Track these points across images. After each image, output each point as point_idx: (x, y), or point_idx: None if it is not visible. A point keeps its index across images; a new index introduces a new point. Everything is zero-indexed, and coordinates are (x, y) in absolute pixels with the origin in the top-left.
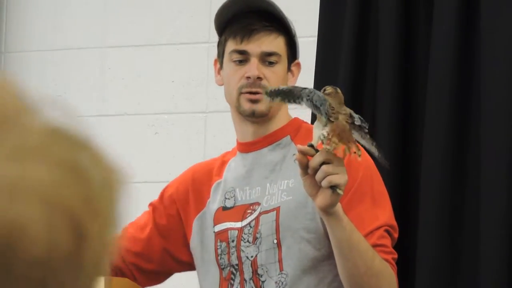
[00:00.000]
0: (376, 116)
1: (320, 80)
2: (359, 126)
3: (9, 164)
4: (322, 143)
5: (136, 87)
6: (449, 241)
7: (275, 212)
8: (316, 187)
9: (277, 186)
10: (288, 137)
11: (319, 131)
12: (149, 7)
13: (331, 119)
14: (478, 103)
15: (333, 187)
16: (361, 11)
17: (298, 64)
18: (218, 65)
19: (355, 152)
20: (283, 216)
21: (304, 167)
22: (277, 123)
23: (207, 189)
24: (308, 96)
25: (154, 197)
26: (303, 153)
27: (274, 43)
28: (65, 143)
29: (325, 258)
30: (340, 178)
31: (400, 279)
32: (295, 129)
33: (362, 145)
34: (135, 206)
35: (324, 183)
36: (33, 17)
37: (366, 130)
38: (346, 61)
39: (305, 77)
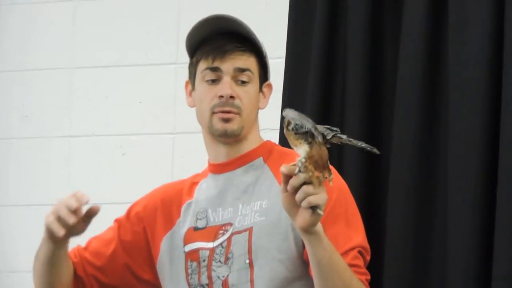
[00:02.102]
0: (344, 133)
1: (288, 99)
2: (334, 136)
3: None
4: (299, 170)
5: (103, 108)
6: (416, 247)
7: (247, 232)
8: (295, 206)
9: (250, 207)
10: (261, 158)
11: (302, 152)
12: (117, 28)
13: (319, 139)
14: (446, 116)
15: (313, 207)
16: (328, 32)
17: (270, 85)
18: (189, 87)
19: (326, 177)
20: (256, 236)
21: (286, 183)
22: (250, 145)
23: (176, 208)
24: (301, 119)
25: (117, 215)
26: (287, 173)
27: (247, 61)
28: None
29: (296, 278)
30: (320, 198)
31: None
32: (268, 151)
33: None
34: (102, 227)
35: (304, 203)
36: (2, 38)
37: (339, 133)
38: (314, 80)
39: (273, 97)
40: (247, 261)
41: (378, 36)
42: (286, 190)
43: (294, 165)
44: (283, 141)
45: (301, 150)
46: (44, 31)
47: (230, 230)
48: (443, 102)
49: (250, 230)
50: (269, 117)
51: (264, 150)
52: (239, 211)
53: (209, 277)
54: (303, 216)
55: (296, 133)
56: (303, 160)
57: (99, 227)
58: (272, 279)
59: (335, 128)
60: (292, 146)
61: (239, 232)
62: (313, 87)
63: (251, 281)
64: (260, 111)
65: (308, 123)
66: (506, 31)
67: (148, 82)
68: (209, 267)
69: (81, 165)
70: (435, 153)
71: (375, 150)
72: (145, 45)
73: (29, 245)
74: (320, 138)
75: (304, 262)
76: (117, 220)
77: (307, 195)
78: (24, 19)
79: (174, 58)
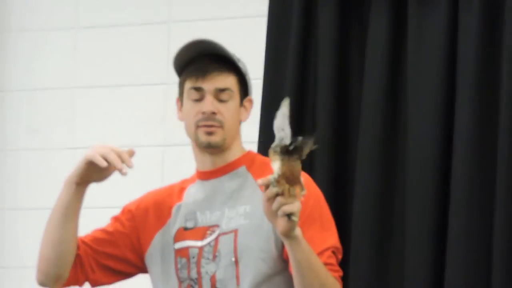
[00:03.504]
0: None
1: (267, 115)
2: (295, 148)
3: None
4: (272, 185)
5: (102, 122)
6: (379, 246)
7: (233, 234)
8: (275, 214)
9: (235, 211)
10: (244, 167)
11: (276, 166)
12: (114, 53)
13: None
14: (405, 122)
15: (288, 215)
16: (302, 55)
17: (250, 100)
18: (179, 103)
19: (297, 192)
20: (241, 237)
21: (265, 196)
22: (233, 155)
23: (168, 209)
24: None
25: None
26: (263, 184)
27: (226, 81)
28: None
29: (276, 274)
30: (293, 207)
31: None
32: (250, 160)
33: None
34: (99, 226)
35: (279, 213)
36: (12, 61)
37: (299, 143)
38: (288, 96)
39: (252, 113)
40: (233, 259)
41: (345, 58)
42: (265, 198)
43: (269, 179)
44: (263, 153)
45: (275, 166)
46: (49, 55)
47: (217, 231)
48: (402, 109)
49: (235, 231)
50: (249, 131)
51: (247, 159)
52: (225, 215)
53: (198, 273)
54: (281, 223)
55: (274, 151)
56: (276, 176)
57: (96, 226)
58: (255, 275)
59: (296, 139)
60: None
61: (225, 233)
62: (291, 112)
63: (237, 276)
64: (243, 129)
65: (287, 137)
66: (458, 52)
67: (141, 101)
68: (198, 264)
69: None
70: (395, 159)
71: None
72: (137, 68)
73: (34, 242)
74: (297, 151)
75: (283, 260)
76: (113, 217)
77: (281, 205)
78: (31, 44)
79: (164, 79)
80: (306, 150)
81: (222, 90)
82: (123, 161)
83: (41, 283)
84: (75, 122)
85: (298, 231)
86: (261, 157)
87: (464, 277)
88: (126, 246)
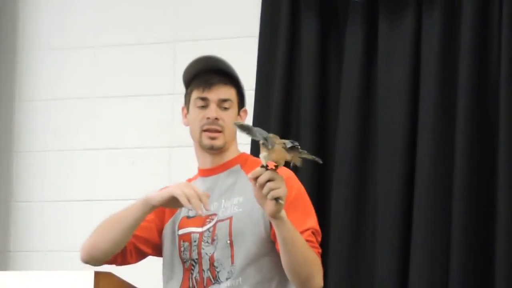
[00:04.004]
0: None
1: (258, 120)
2: (292, 146)
3: None
4: (262, 172)
5: (119, 127)
6: (356, 235)
7: (228, 220)
8: (264, 198)
9: (230, 202)
10: (238, 166)
11: (262, 157)
12: (128, 68)
13: (269, 147)
14: (375, 128)
15: (276, 199)
16: (288, 70)
17: (245, 111)
18: (185, 111)
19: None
20: (235, 223)
21: (257, 183)
22: (229, 155)
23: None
24: (260, 133)
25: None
26: (252, 177)
27: (228, 92)
28: None
29: (264, 254)
30: (281, 191)
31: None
32: (243, 160)
33: (301, 157)
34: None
35: (269, 196)
36: (40, 74)
37: (299, 147)
38: (276, 106)
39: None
40: (228, 241)
41: (324, 71)
42: (255, 186)
43: (262, 166)
44: (254, 152)
45: (261, 156)
46: (73, 69)
47: (215, 219)
48: (372, 118)
49: (230, 219)
50: (243, 134)
51: (241, 159)
52: (222, 205)
53: (199, 254)
54: (270, 206)
55: (262, 145)
56: (264, 162)
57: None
58: (246, 255)
59: (296, 143)
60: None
61: (222, 220)
62: (276, 113)
63: (231, 256)
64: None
65: (261, 137)
66: (422, 66)
67: (151, 108)
68: (199, 246)
69: (100, 170)
70: (369, 163)
71: (319, 160)
72: (148, 80)
73: (57, 229)
74: (269, 146)
75: (271, 242)
76: None
77: (271, 189)
78: (58, 60)
79: (171, 91)
80: (294, 153)
81: (224, 100)
82: (201, 203)
83: (85, 262)
84: (94, 127)
85: (283, 213)
86: (253, 158)
87: (426, 266)
88: (157, 231)
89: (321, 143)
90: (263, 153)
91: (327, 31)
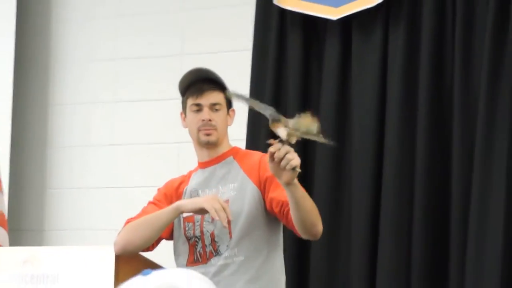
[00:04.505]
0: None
1: (253, 120)
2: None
3: None
4: (283, 147)
5: (134, 126)
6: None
7: (226, 202)
8: (280, 170)
9: (226, 187)
10: (231, 157)
11: (282, 132)
12: (143, 76)
13: (280, 119)
14: (350, 133)
15: (294, 168)
16: (277, 76)
17: (233, 110)
18: (183, 116)
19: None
20: (231, 204)
21: (272, 158)
22: (223, 149)
23: (181, 191)
24: (271, 110)
25: (145, 196)
26: (274, 150)
27: (217, 97)
28: None
29: (255, 229)
30: (297, 161)
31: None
32: (235, 152)
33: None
34: (134, 200)
35: (288, 167)
36: (66, 81)
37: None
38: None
39: (242, 119)
40: (226, 220)
41: (307, 77)
42: (272, 161)
43: (281, 141)
44: (250, 146)
45: (282, 131)
46: (96, 78)
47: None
48: (348, 118)
49: (227, 201)
50: (240, 132)
51: (233, 152)
52: (219, 190)
53: (201, 231)
54: (287, 175)
55: (275, 122)
56: (284, 136)
57: (133, 200)
58: (241, 230)
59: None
60: (275, 131)
61: None
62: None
63: (229, 232)
64: (235, 130)
65: (277, 116)
66: (388, 74)
67: (161, 110)
68: (201, 225)
69: (119, 162)
70: (345, 159)
71: (329, 142)
72: (159, 87)
73: (86, 209)
74: (283, 131)
75: (261, 217)
76: (153, 201)
77: (289, 161)
78: (83, 70)
79: (178, 96)
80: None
81: (214, 104)
82: (226, 214)
83: (118, 254)
84: (115, 126)
85: (295, 179)
86: (243, 150)
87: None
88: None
89: (304, 142)
90: (280, 128)
91: (309, 44)
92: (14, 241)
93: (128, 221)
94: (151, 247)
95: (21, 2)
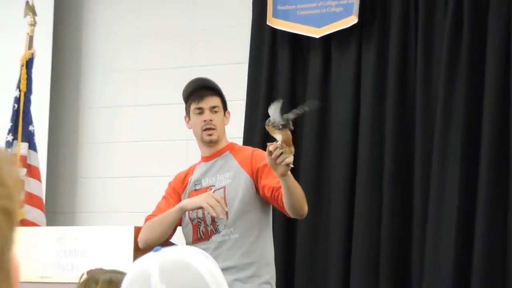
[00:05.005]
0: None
1: (248, 121)
2: (284, 124)
3: None
4: (279, 148)
5: (151, 126)
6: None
7: (223, 189)
8: (277, 164)
9: (223, 176)
10: (228, 152)
11: (278, 136)
12: (159, 84)
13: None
14: (329, 141)
15: (287, 164)
16: (270, 85)
17: (229, 112)
18: (187, 119)
19: (292, 151)
20: (227, 190)
21: (270, 154)
22: (221, 145)
23: (186, 182)
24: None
25: (158, 184)
26: (272, 149)
27: (215, 101)
28: None
29: (248, 211)
30: (290, 159)
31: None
32: (231, 147)
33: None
34: (150, 187)
35: (283, 163)
36: (96, 89)
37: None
38: (261, 113)
39: (239, 120)
40: (223, 213)
41: (294, 85)
42: (270, 157)
43: (277, 145)
44: (246, 143)
45: (278, 136)
46: (121, 86)
47: (214, 188)
48: (327, 122)
49: (224, 188)
50: (237, 132)
51: (229, 147)
52: (218, 179)
53: (203, 213)
54: (282, 169)
55: (273, 126)
56: (280, 142)
57: (151, 187)
58: (236, 212)
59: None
60: (271, 134)
61: (218, 189)
62: (260, 118)
63: (226, 214)
64: (233, 128)
65: (279, 119)
66: (361, 84)
67: (173, 113)
68: (203, 208)
69: (139, 156)
70: (325, 158)
71: (313, 105)
72: (172, 94)
73: (111, 195)
74: (287, 125)
75: (253, 201)
76: (165, 195)
77: (283, 158)
78: (108, 79)
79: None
80: (290, 125)
81: (213, 106)
82: (222, 207)
83: (142, 248)
84: (133, 126)
85: (289, 172)
86: (238, 146)
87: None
88: None
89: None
90: (278, 135)
91: (296, 58)
92: (50, 221)
93: (147, 219)
94: (169, 237)
95: (57, 22)
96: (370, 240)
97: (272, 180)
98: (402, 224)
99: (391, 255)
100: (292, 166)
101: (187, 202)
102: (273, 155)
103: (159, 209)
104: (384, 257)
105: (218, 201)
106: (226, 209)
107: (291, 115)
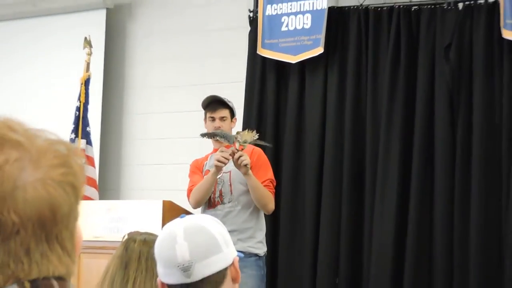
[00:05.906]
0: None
1: (246, 126)
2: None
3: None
4: (238, 151)
5: (177, 127)
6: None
7: (229, 173)
8: (240, 165)
9: (229, 163)
10: (232, 147)
11: (236, 145)
12: (181, 99)
13: (236, 141)
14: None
15: (246, 165)
16: (261, 98)
17: (235, 118)
18: (205, 123)
19: (242, 148)
20: (232, 174)
21: (233, 158)
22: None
23: (202, 165)
24: (223, 134)
25: (179, 169)
26: (232, 153)
27: (224, 112)
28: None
29: (248, 190)
30: (247, 160)
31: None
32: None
33: (258, 144)
34: (174, 171)
35: (242, 164)
36: (136, 98)
37: (256, 137)
38: (254, 120)
39: (238, 124)
40: (229, 183)
41: (279, 103)
42: (233, 160)
43: (234, 150)
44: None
45: (236, 144)
46: (152, 97)
47: (222, 172)
48: (303, 133)
49: (230, 172)
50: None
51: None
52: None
53: (214, 188)
54: (243, 169)
55: (235, 139)
56: (238, 148)
57: (173, 170)
58: (238, 190)
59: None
60: (235, 143)
61: (226, 173)
62: (254, 125)
63: (231, 191)
64: (234, 128)
65: (223, 136)
66: (327, 102)
67: (188, 116)
68: (215, 186)
69: (166, 149)
70: (301, 157)
71: (268, 145)
72: (189, 103)
73: (146, 177)
74: (237, 144)
75: None
76: (193, 171)
77: (242, 160)
78: (142, 92)
79: (200, 109)
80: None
81: (222, 117)
82: (225, 154)
83: (195, 207)
84: (162, 126)
85: (250, 171)
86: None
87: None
88: None
89: (276, 147)
90: (236, 144)
91: (280, 78)
92: (102, 196)
93: (189, 189)
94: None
95: (107, 52)
96: (333, 219)
97: (258, 175)
98: (357, 206)
99: (350, 227)
100: (249, 167)
101: (211, 170)
102: (234, 158)
103: (193, 181)
104: (344, 231)
105: (220, 154)
106: (230, 152)
107: (250, 140)
